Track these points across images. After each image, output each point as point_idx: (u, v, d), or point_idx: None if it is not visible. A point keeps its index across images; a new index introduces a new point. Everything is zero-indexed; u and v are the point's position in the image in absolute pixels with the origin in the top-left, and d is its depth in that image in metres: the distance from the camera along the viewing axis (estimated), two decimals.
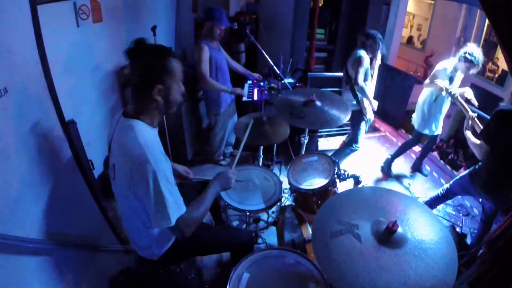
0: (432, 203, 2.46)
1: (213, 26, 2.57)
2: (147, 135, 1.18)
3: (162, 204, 1.13)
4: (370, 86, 2.86)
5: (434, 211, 2.76)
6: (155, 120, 1.25)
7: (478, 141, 1.95)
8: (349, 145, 3.11)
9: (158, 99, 1.18)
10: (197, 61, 2.56)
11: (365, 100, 2.78)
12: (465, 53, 2.48)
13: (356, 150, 3.08)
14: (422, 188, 3.14)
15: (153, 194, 1.12)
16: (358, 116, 2.86)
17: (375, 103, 2.81)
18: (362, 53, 2.67)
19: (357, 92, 2.76)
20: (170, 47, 1.22)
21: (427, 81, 2.75)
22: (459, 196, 3.04)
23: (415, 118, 2.97)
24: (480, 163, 2.02)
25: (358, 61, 2.65)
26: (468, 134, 2.06)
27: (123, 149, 1.17)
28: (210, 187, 1.38)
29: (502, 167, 1.87)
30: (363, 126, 2.97)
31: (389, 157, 3.28)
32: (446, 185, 2.33)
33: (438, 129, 2.89)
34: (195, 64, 2.59)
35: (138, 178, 1.12)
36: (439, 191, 2.40)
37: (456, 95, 2.49)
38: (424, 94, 2.85)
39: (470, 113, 2.17)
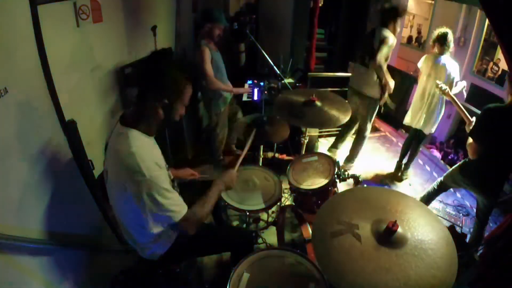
0: (429, 198, 2.50)
1: (212, 27, 2.57)
2: (141, 144, 1.18)
3: (158, 209, 1.17)
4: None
5: (434, 211, 2.77)
6: (151, 129, 1.25)
7: (470, 140, 2.01)
8: (362, 135, 3.10)
9: (159, 111, 1.20)
10: (201, 63, 2.55)
11: (385, 80, 2.74)
12: (444, 40, 2.55)
13: (366, 137, 3.12)
14: (422, 188, 3.14)
15: (147, 202, 1.15)
16: (374, 103, 2.90)
17: (392, 83, 2.79)
18: (387, 33, 2.67)
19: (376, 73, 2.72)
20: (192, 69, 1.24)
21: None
22: (458, 195, 3.06)
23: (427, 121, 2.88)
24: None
25: (384, 41, 2.64)
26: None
27: (116, 158, 1.18)
28: (214, 186, 1.40)
29: (489, 162, 1.94)
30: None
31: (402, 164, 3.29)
32: (440, 178, 2.39)
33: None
34: (197, 65, 2.59)
35: (131, 188, 1.14)
36: (433, 185, 2.45)
37: (447, 90, 2.44)
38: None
39: (471, 119, 2.16)
